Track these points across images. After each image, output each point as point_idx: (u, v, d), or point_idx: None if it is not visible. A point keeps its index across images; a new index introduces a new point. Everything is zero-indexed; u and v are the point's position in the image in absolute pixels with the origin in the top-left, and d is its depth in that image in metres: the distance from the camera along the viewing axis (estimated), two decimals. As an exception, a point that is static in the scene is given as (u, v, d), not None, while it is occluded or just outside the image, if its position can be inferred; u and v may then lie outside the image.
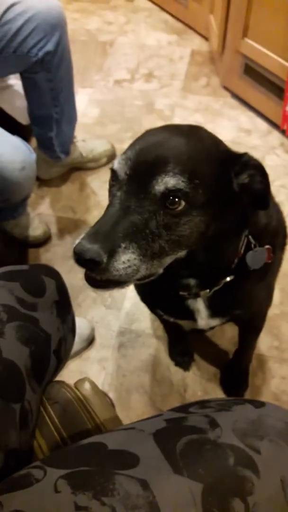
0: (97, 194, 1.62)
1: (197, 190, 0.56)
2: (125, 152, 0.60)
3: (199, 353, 1.28)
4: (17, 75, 1.49)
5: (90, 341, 1.29)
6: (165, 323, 1.13)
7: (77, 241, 0.54)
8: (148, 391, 1.22)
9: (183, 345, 1.26)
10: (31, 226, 1.46)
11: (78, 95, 1.95)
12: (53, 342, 0.71)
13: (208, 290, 0.75)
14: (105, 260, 0.52)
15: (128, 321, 1.35)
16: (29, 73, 1.33)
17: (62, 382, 0.73)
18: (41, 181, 1.66)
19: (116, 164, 0.59)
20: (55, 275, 0.79)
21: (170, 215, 0.56)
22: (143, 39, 2.26)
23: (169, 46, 2.21)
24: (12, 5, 1.20)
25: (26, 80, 1.38)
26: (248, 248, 0.72)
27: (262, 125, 1.82)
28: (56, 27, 1.26)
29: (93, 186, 1.65)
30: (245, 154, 0.63)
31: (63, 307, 0.76)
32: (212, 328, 0.95)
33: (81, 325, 1.28)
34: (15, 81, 1.56)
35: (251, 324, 1.01)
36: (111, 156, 1.71)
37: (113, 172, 0.60)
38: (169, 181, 0.55)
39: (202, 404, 0.60)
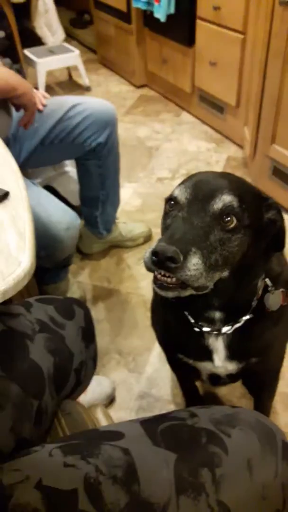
0: (132, 268, 1.76)
1: (244, 212, 0.67)
2: (181, 184, 0.72)
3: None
4: (73, 164, 1.75)
5: (110, 400, 1.33)
6: (182, 380, 1.17)
7: (153, 247, 0.61)
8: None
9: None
10: (69, 290, 1.60)
11: (124, 187, 2.21)
12: (75, 361, 0.80)
13: (230, 327, 0.82)
14: (181, 259, 0.60)
15: (148, 385, 1.39)
16: (83, 159, 1.58)
17: (77, 402, 0.81)
18: (84, 255, 1.83)
19: (176, 191, 0.70)
20: (84, 307, 0.90)
21: (225, 230, 0.66)
22: (185, 146, 2.56)
23: (207, 152, 2.49)
24: (74, 105, 1.47)
25: (80, 166, 1.62)
26: (266, 291, 0.82)
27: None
28: (108, 124, 1.51)
29: (129, 261, 1.80)
30: (270, 197, 0.76)
31: (88, 335, 0.86)
32: (229, 378, 0.98)
33: (103, 383, 1.34)
34: (70, 169, 1.83)
35: (265, 380, 1.04)
36: (148, 238, 1.88)
37: (172, 199, 0.70)
38: (226, 198, 0.66)
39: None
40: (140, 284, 1.70)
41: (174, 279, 0.62)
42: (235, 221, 0.66)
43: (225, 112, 2.53)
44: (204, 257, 0.63)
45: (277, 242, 0.76)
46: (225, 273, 0.71)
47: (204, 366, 0.91)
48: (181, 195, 0.69)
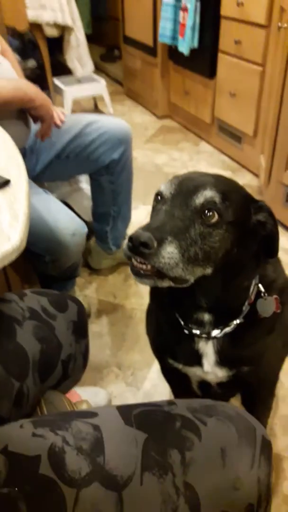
0: (138, 286, 1.77)
1: (227, 209, 0.68)
2: (169, 181, 0.73)
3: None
4: (88, 181, 1.80)
5: (106, 411, 1.31)
6: (175, 393, 1.15)
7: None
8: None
9: None
10: (74, 302, 1.61)
11: (139, 209, 2.25)
12: (64, 353, 0.80)
13: (219, 331, 0.81)
14: (155, 245, 0.61)
15: (145, 400, 1.37)
16: (97, 175, 1.62)
17: (63, 394, 0.80)
18: (92, 270, 1.85)
19: (162, 187, 0.72)
20: (79, 304, 0.90)
21: (206, 225, 0.67)
22: (202, 173, 2.60)
23: (224, 179, 2.52)
24: (91, 122, 1.53)
25: (93, 181, 1.67)
26: (258, 297, 0.81)
27: (302, 247, 1.96)
28: (122, 141, 1.56)
29: (137, 279, 1.81)
30: (261, 201, 0.76)
31: (79, 329, 0.87)
32: (220, 388, 0.96)
33: (100, 394, 1.32)
34: (85, 185, 1.88)
35: (260, 393, 1.02)
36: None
37: (158, 194, 0.72)
38: (207, 193, 0.67)
39: None
40: (145, 300, 1.70)
41: (149, 267, 0.63)
42: (216, 216, 0.67)
43: (243, 141, 2.58)
44: (181, 248, 0.64)
45: (270, 247, 0.76)
46: (208, 270, 0.70)
47: (194, 372, 0.90)
48: (166, 190, 0.71)
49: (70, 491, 0.49)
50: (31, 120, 1.32)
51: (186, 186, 0.69)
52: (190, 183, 0.70)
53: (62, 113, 1.57)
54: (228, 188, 0.70)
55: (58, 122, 1.53)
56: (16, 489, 0.47)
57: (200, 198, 0.67)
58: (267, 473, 0.58)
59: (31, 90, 1.20)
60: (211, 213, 0.67)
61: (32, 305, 0.79)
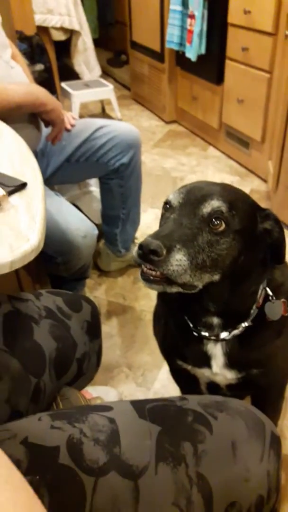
0: (147, 288, 1.78)
1: (234, 218, 0.70)
2: (177, 190, 0.76)
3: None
4: (97, 184, 1.82)
5: (115, 411, 1.33)
6: (182, 387, 1.17)
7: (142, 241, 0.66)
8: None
9: None
10: (84, 303, 1.63)
11: (147, 212, 2.27)
12: (78, 351, 0.82)
13: (228, 333, 0.83)
14: (164, 253, 0.63)
15: (155, 401, 1.38)
16: (106, 179, 1.65)
17: (78, 391, 0.82)
18: (102, 272, 1.88)
19: (171, 196, 0.74)
20: (93, 304, 0.92)
21: (213, 233, 0.69)
22: (209, 178, 2.62)
23: (230, 184, 2.54)
24: (101, 127, 1.56)
25: (103, 185, 1.69)
26: (266, 300, 0.83)
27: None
28: (131, 146, 1.58)
29: (145, 281, 1.83)
30: (268, 209, 0.78)
31: (93, 329, 0.88)
32: (229, 390, 0.98)
33: (110, 393, 1.34)
34: (94, 188, 1.90)
35: (270, 396, 1.03)
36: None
37: (167, 203, 0.74)
38: (214, 203, 0.69)
39: None
40: (154, 302, 1.69)
41: (158, 273, 0.65)
42: (223, 225, 0.69)
43: (251, 147, 2.60)
44: (190, 256, 0.66)
45: (277, 253, 0.78)
46: (216, 276, 0.72)
47: (203, 373, 0.92)
48: (175, 199, 0.73)
49: (89, 479, 0.51)
50: (42, 124, 1.34)
51: (194, 195, 0.71)
52: (197, 192, 0.72)
53: (72, 118, 1.60)
54: (234, 197, 0.72)
55: (69, 126, 1.55)
56: (38, 477, 0.49)
57: (208, 208, 0.69)
58: (276, 467, 0.60)
59: (43, 94, 1.22)
60: (218, 221, 0.69)
61: (48, 304, 0.82)
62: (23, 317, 0.75)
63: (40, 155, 1.53)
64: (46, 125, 1.33)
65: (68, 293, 0.90)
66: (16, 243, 0.62)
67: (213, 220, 0.69)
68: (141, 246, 0.63)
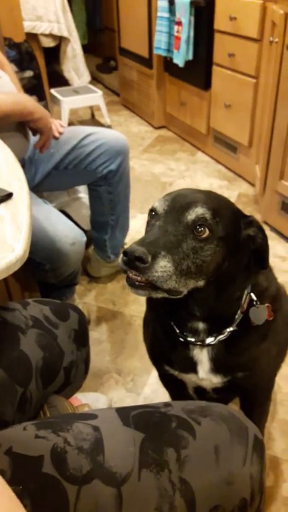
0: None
1: (218, 225, 0.72)
2: (162, 198, 0.77)
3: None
4: (86, 190, 1.83)
5: (106, 417, 1.34)
6: (174, 398, 1.18)
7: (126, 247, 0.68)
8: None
9: None
10: (73, 310, 1.63)
11: (137, 218, 2.28)
12: (66, 360, 0.83)
13: (213, 339, 0.84)
14: (149, 259, 0.64)
15: (146, 406, 1.39)
16: (95, 185, 1.66)
17: (65, 399, 0.83)
18: (91, 278, 1.88)
19: (156, 203, 0.76)
20: (80, 312, 0.93)
21: (197, 239, 0.70)
22: (198, 182, 2.65)
23: (219, 188, 2.56)
24: (89, 134, 1.57)
25: (91, 192, 1.70)
26: (251, 305, 0.84)
27: (296, 254, 1.99)
28: (119, 153, 1.60)
29: (135, 286, 1.84)
30: (251, 216, 0.80)
31: (80, 337, 0.89)
32: (216, 393, 0.99)
33: (100, 400, 1.35)
34: (83, 195, 1.91)
35: (256, 398, 1.04)
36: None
37: (152, 210, 0.75)
38: (198, 210, 0.71)
39: None
40: (144, 308, 1.71)
41: (144, 279, 0.66)
42: (207, 231, 0.70)
43: (238, 151, 2.62)
44: (174, 262, 0.67)
45: (261, 259, 0.80)
46: (201, 282, 0.74)
47: (189, 378, 0.93)
48: (160, 206, 0.74)
49: (72, 488, 0.51)
50: (30, 132, 1.35)
51: (179, 202, 0.73)
52: (182, 199, 0.73)
53: (60, 125, 1.61)
54: (218, 205, 0.74)
55: (57, 134, 1.57)
56: (21, 487, 0.50)
57: (192, 215, 0.71)
58: (260, 470, 0.61)
59: (30, 103, 1.24)
60: (202, 228, 0.70)
61: (35, 313, 0.82)
62: (9, 327, 0.76)
63: (28, 163, 1.54)
64: (34, 134, 1.34)
65: (56, 302, 0.91)
66: (1, 254, 0.63)
67: (197, 227, 0.70)
68: (126, 253, 0.65)
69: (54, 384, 0.80)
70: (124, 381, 1.46)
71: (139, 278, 0.67)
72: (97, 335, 1.62)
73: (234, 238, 0.75)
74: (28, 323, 0.79)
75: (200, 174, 2.75)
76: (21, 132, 1.30)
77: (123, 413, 0.61)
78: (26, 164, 1.53)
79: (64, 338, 0.84)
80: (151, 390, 1.43)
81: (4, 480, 0.48)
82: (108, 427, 0.58)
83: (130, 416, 0.60)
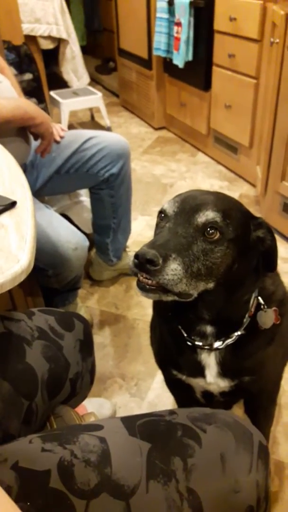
0: (140, 296, 1.79)
1: (228, 227, 0.71)
2: (172, 199, 0.76)
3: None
4: (87, 194, 1.83)
5: (110, 422, 1.33)
6: (180, 403, 1.17)
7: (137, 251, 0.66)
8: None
9: None
10: (76, 314, 1.63)
11: (138, 220, 2.28)
12: (71, 371, 0.82)
13: (221, 343, 0.84)
14: (160, 262, 0.64)
15: (149, 410, 1.38)
16: (96, 189, 1.65)
17: (71, 409, 0.82)
18: (94, 281, 1.88)
19: (165, 205, 0.75)
20: (85, 321, 0.92)
21: (208, 241, 0.70)
22: (199, 183, 2.64)
23: (220, 189, 2.56)
24: (90, 138, 1.56)
25: (93, 195, 1.69)
26: (258, 309, 0.84)
27: (299, 255, 1.99)
28: (121, 156, 1.59)
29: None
30: (260, 217, 0.79)
31: (86, 347, 0.88)
32: (222, 397, 0.98)
33: (105, 405, 1.34)
34: (85, 198, 1.91)
35: (262, 402, 1.04)
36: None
37: (162, 212, 0.74)
38: (209, 214, 0.70)
39: None
40: (147, 311, 1.73)
41: (154, 282, 0.66)
42: (218, 234, 0.70)
43: (239, 152, 2.62)
44: (185, 264, 0.67)
45: (269, 261, 0.79)
46: (211, 285, 0.73)
47: (197, 383, 0.92)
48: (170, 208, 0.73)
49: (80, 503, 0.51)
50: (31, 137, 1.35)
51: (189, 204, 0.72)
52: (192, 201, 0.73)
53: (61, 129, 1.60)
54: (228, 207, 0.73)
55: (58, 138, 1.56)
56: (28, 503, 0.49)
57: (202, 217, 0.70)
58: (265, 476, 0.61)
59: (31, 108, 1.23)
60: (213, 231, 0.70)
61: (40, 324, 0.82)
62: (15, 339, 0.75)
63: (30, 167, 1.53)
64: (35, 138, 1.34)
65: (60, 312, 0.90)
66: (6, 265, 0.63)
67: (208, 229, 0.70)
68: (137, 256, 0.64)
69: (60, 396, 0.80)
70: (128, 386, 1.46)
71: (150, 282, 0.66)
72: (101, 339, 1.62)
73: (244, 239, 0.75)
74: (34, 334, 0.79)
75: (201, 175, 2.74)
76: (22, 137, 1.30)
77: (129, 422, 0.61)
78: (27, 168, 1.52)
79: (70, 349, 0.83)
80: (155, 395, 1.42)
81: (11, 495, 0.47)
82: (114, 438, 0.58)
83: (135, 425, 0.60)
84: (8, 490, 0.49)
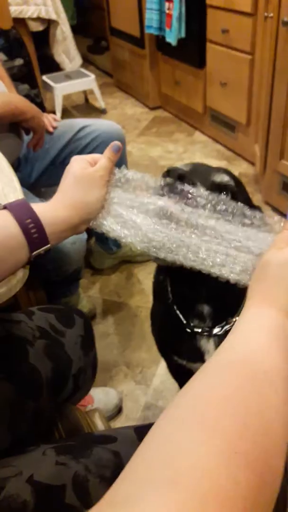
0: (142, 283, 1.80)
1: (237, 195, 0.72)
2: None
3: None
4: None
5: (117, 411, 1.36)
6: (180, 382, 1.19)
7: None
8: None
9: None
10: (79, 304, 1.64)
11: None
12: (74, 368, 0.83)
13: (220, 329, 0.84)
14: (188, 175, 0.64)
15: (155, 397, 1.41)
16: (92, 178, 1.64)
17: (75, 407, 0.84)
18: (95, 270, 1.88)
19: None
20: (84, 316, 0.93)
21: None
22: (197, 164, 2.61)
23: (219, 169, 2.53)
24: (84, 127, 1.54)
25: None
26: None
27: (299, 234, 1.98)
28: (116, 143, 1.57)
29: (139, 276, 1.84)
30: (258, 206, 0.79)
31: (87, 342, 0.89)
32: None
33: (110, 394, 1.36)
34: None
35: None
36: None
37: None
38: (224, 177, 0.72)
39: None
40: (149, 298, 1.73)
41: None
42: (230, 197, 0.69)
43: (237, 130, 2.58)
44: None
45: None
46: None
47: (197, 368, 0.93)
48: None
49: None
50: (23, 131, 1.33)
51: (202, 167, 0.73)
52: (204, 167, 0.74)
53: (54, 120, 1.58)
54: (238, 181, 0.76)
55: (50, 129, 1.54)
56: None
57: (218, 178, 0.71)
58: (283, 484, 0.60)
59: (21, 103, 1.21)
60: (227, 192, 0.70)
61: (41, 323, 0.82)
62: (17, 341, 0.76)
63: (24, 161, 1.52)
64: (27, 133, 1.32)
65: (60, 308, 0.91)
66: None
67: (222, 190, 0.70)
68: (169, 172, 0.64)
69: (64, 393, 0.81)
70: (133, 374, 1.48)
71: (191, 190, 0.64)
72: (104, 328, 1.63)
73: None
74: (35, 334, 0.79)
75: (199, 155, 2.71)
76: (14, 132, 1.28)
77: (142, 433, 0.61)
78: (21, 162, 1.51)
79: (71, 345, 0.84)
80: (160, 381, 1.44)
81: (27, 510, 0.48)
82: (128, 451, 0.57)
83: None
84: (25, 504, 0.50)
